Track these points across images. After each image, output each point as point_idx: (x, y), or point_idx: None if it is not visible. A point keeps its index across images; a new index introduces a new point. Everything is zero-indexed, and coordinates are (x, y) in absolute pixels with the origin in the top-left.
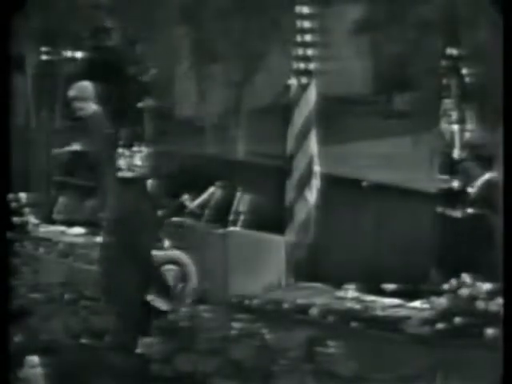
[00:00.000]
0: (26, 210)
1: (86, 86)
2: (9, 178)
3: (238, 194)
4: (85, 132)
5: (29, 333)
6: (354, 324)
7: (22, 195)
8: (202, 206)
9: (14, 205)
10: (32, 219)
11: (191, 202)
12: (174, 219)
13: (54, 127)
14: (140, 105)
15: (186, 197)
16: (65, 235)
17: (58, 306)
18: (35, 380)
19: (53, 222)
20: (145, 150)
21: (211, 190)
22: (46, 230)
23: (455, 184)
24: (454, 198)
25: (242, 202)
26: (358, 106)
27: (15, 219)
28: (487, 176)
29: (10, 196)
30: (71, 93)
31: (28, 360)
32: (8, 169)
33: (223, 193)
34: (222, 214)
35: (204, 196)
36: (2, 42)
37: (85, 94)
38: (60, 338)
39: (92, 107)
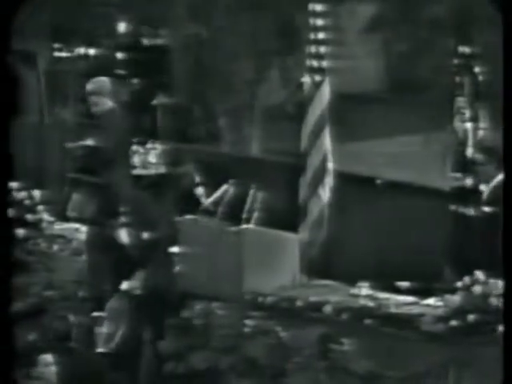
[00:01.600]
0: (40, 207)
1: (104, 81)
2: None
3: (252, 192)
4: (99, 128)
5: (43, 331)
6: (367, 321)
7: (36, 193)
8: (216, 203)
9: (27, 202)
10: (46, 217)
11: (206, 198)
12: (188, 217)
13: (68, 124)
14: (155, 102)
15: (201, 191)
16: (79, 233)
17: (72, 303)
18: (48, 379)
19: (67, 220)
20: (159, 147)
21: (225, 187)
22: (60, 227)
23: (468, 182)
24: (467, 196)
25: (256, 199)
26: (371, 104)
27: (29, 217)
28: (502, 175)
29: (24, 193)
30: (88, 87)
31: (41, 359)
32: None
33: (237, 190)
34: (235, 211)
35: (218, 193)
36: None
37: (102, 90)
38: (74, 336)
39: (108, 103)
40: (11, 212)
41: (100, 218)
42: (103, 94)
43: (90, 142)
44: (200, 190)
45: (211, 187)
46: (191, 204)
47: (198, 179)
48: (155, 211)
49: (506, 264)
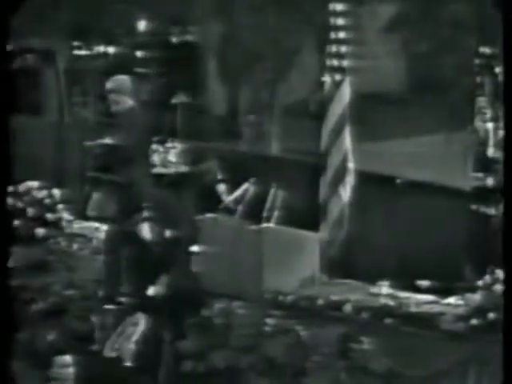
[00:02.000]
0: (60, 206)
1: (124, 79)
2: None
3: (272, 191)
4: (119, 126)
5: (63, 331)
6: (387, 320)
7: (56, 191)
8: (237, 202)
9: (47, 201)
10: (66, 216)
11: (227, 195)
12: (208, 215)
13: (88, 123)
14: (174, 100)
15: (223, 188)
16: (99, 232)
17: (92, 303)
18: (66, 380)
19: (87, 219)
20: (179, 146)
21: (245, 186)
22: (80, 226)
23: (489, 182)
24: (488, 195)
25: (276, 198)
26: (391, 103)
27: (49, 216)
28: None
29: (44, 193)
30: (108, 85)
31: (59, 359)
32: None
33: (257, 189)
34: (256, 210)
35: (238, 192)
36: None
37: (122, 88)
38: (94, 336)
39: (128, 102)
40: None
41: (120, 216)
42: (123, 93)
43: (108, 140)
44: (222, 187)
45: (233, 185)
46: (212, 201)
47: (220, 176)
48: (177, 209)
49: (506, 264)
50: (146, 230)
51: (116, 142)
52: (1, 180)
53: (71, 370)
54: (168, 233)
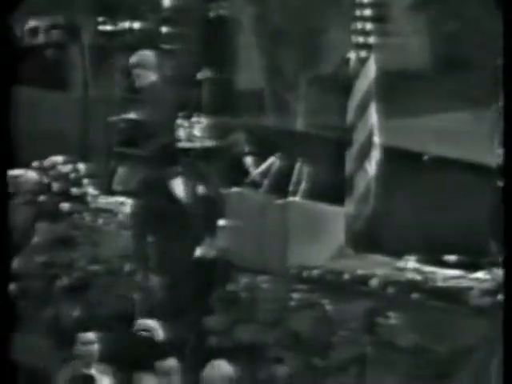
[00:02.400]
0: (85, 181)
1: (148, 54)
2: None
3: (298, 165)
4: (142, 101)
5: (87, 307)
6: (414, 295)
7: (81, 166)
8: (262, 176)
9: (72, 176)
10: (91, 190)
11: (254, 169)
12: (234, 189)
13: (113, 98)
14: (200, 76)
15: (250, 161)
16: (124, 206)
17: (117, 278)
18: (90, 356)
19: (112, 193)
20: (204, 120)
21: (271, 160)
22: (105, 201)
23: None
24: None
25: (302, 172)
26: (417, 81)
27: (74, 190)
28: None
29: (69, 167)
30: (132, 60)
31: (83, 336)
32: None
33: (283, 163)
34: (281, 184)
35: (264, 166)
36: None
37: (146, 63)
38: (119, 312)
39: (151, 77)
40: (55, 186)
41: (147, 190)
42: (147, 67)
43: (132, 115)
44: (249, 160)
45: (260, 158)
46: (240, 175)
47: (247, 149)
48: (206, 179)
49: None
50: (179, 186)
51: (139, 117)
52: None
53: (95, 347)
54: (201, 190)
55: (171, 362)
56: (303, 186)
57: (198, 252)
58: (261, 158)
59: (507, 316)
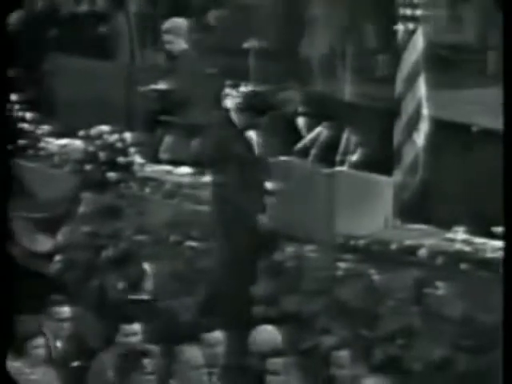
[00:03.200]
0: (132, 149)
1: (180, 22)
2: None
3: (346, 135)
4: (173, 70)
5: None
6: (463, 266)
7: (127, 135)
8: (310, 144)
9: (119, 145)
10: (138, 159)
11: (306, 131)
12: (281, 158)
13: (158, 66)
14: (246, 45)
15: (302, 122)
16: (171, 175)
17: (163, 247)
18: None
19: (159, 162)
20: (252, 90)
21: (318, 129)
22: (151, 169)
23: None
24: None
25: (350, 142)
26: (465, 53)
27: (120, 159)
28: None
29: (116, 136)
30: (164, 26)
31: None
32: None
33: (331, 133)
34: (328, 154)
35: (311, 135)
36: None
37: (177, 30)
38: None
39: (183, 44)
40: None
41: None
42: (178, 34)
43: (162, 85)
44: (301, 122)
45: (313, 121)
46: (292, 136)
47: (300, 109)
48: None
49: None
50: (254, 136)
51: (169, 87)
52: None
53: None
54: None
55: (216, 334)
56: (351, 155)
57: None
58: (314, 120)
59: None
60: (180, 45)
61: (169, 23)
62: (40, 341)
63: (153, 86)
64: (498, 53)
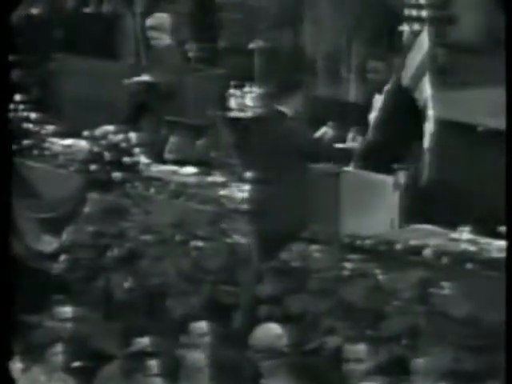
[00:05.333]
0: (137, 149)
1: (164, 17)
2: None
3: (351, 135)
4: (157, 63)
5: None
6: (469, 265)
7: (132, 135)
8: None
9: (124, 145)
10: (143, 159)
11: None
12: None
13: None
14: (251, 45)
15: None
16: (176, 175)
17: (169, 247)
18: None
19: (164, 162)
20: (256, 90)
21: (323, 129)
22: (157, 169)
23: None
24: None
25: (355, 142)
26: (471, 54)
27: (125, 159)
28: None
29: (121, 136)
30: (148, 22)
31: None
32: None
33: (336, 133)
34: (334, 153)
35: (316, 135)
36: None
37: (161, 25)
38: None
39: (167, 40)
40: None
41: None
42: (162, 30)
43: (145, 77)
44: None
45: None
46: None
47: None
48: None
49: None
50: None
51: (152, 80)
52: None
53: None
54: None
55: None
56: (356, 155)
57: None
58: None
59: None
60: (164, 40)
61: (152, 19)
62: (57, 347)
63: (136, 79)
64: (502, 52)
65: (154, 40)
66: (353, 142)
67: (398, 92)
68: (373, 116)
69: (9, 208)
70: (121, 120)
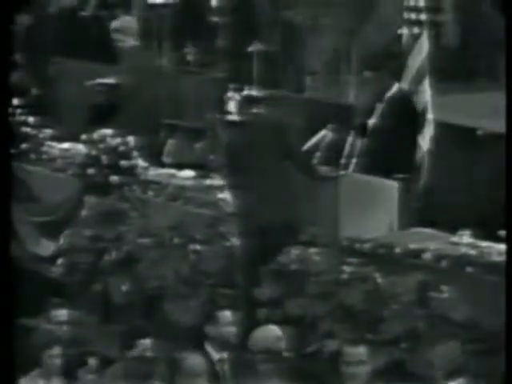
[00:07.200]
0: (135, 153)
1: (130, 20)
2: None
3: (351, 138)
4: (121, 65)
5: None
6: (468, 269)
7: (130, 138)
8: (314, 148)
9: (122, 148)
10: (141, 162)
11: None
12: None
13: (162, 69)
14: (251, 48)
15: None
16: (174, 178)
17: (167, 250)
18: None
19: (162, 165)
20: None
21: (323, 132)
22: (155, 173)
23: None
24: None
25: (355, 145)
26: (471, 58)
27: (123, 163)
28: None
29: (118, 140)
30: (113, 24)
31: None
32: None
33: (335, 136)
34: (333, 157)
35: (315, 139)
36: None
37: (127, 29)
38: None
39: (131, 42)
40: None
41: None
42: (127, 33)
43: (108, 79)
44: None
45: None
46: None
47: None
48: None
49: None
50: None
51: (117, 81)
52: None
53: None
54: None
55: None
56: (356, 158)
57: None
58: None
59: None
60: (129, 42)
61: (118, 22)
62: (55, 350)
63: (99, 80)
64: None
65: (120, 42)
66: (352, 145)
67: (398, 96)
68: (373, 119)
69: (7, 211)
70: (84, 122)
